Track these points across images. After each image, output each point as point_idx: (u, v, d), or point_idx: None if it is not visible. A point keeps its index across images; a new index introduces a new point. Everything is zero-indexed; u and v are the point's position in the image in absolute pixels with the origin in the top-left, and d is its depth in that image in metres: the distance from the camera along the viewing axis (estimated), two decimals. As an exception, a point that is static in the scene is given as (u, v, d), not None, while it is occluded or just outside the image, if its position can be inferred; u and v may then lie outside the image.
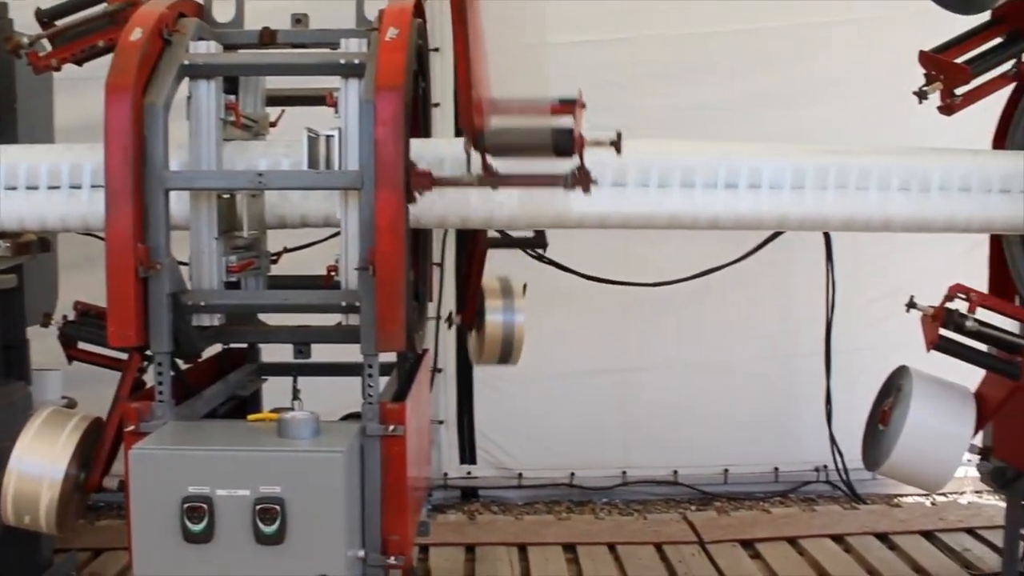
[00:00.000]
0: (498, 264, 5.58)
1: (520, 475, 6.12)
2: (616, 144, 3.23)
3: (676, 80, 5.78)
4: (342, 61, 3.13)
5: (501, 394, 5.98)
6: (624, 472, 6.16)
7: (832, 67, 5.84)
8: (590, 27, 5.60)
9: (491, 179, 3.06)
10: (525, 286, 4.28)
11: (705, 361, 6.04)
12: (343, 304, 3.06)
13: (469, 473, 6.11)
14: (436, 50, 5.34)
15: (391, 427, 2.93)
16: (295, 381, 3.68)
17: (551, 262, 5.67)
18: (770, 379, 6.14)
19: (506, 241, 4.23)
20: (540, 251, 4.72)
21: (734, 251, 5.68)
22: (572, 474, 6.14)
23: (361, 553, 2.84)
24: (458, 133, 5.60)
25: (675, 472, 6.16)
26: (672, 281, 5.68)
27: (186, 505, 2.59)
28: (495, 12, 3.69)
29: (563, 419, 6.03)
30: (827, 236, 5.82)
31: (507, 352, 4.21)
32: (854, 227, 3.74)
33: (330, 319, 3.23)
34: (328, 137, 3.03)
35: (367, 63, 3.02)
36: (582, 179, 3.08)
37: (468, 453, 6.07)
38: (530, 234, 4.21)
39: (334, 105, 3.15)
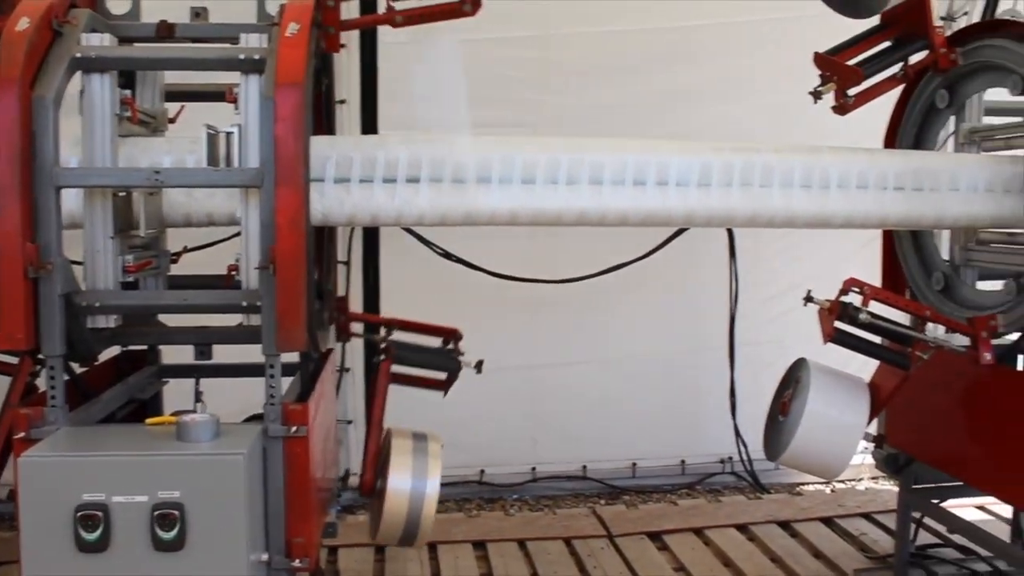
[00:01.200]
0: (414, 259, 5.61)
1: (431, 474, 6.09)
2: (479, 366, 3.92)
3: (586, 78, 5.81)
4: (242, 56, 3.05)
5: (409, 393, 5.93)
6: (534, 468, 6.19)
7: (742, 66, 5.94)
8: (502, 24, 5.59)
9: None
10: (442, 445, 3.82)
11: (613, 356, 6.10)
12: (244, 304, 3.00)
13: (378, 473, 6.06)
14: (342, 46, 5.30)
15: (294, 428, 2.89)
16: (197, 383, 3.60)
17: (460, 260, 5.69)
18: (677, 373, 6.24)
19: (413, 381, 3.97)
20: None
21: (642, 247, 5.77)
22: (482, 471, 6.14)
23: (264, 557, 2.80)
24: (365, 130, 5.63)
25: (584, 467, 6.23)
26: (579, 278, 5.72)
27: (80, 513, 2.50)
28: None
29: (472, 417, 6.00)
30: (730, 232, 5.95)
31: (410, 533, 3.59)
32: (759, 223, 3.80)
33: (232, 319, 3.17)
34: (228, 134, 2.97)
35: (267, 59, 2.96)
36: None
37: (383, 453, 6.03)
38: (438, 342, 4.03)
39: (234, 101, 3.08)
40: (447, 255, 5.69)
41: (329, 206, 3.33)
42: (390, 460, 3.60)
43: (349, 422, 5.92)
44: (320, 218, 3.34)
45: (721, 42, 5.86)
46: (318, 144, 3.31)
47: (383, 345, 3.78)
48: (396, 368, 3.79)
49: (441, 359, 3.93)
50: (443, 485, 5.94)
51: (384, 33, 5.50)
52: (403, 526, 3.57)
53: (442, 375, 3.99)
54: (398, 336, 3.93)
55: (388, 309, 5.78)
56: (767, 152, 3.70)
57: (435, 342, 4.02)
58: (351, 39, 5.49)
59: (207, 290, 3.25)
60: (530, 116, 5.56)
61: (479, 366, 3.93)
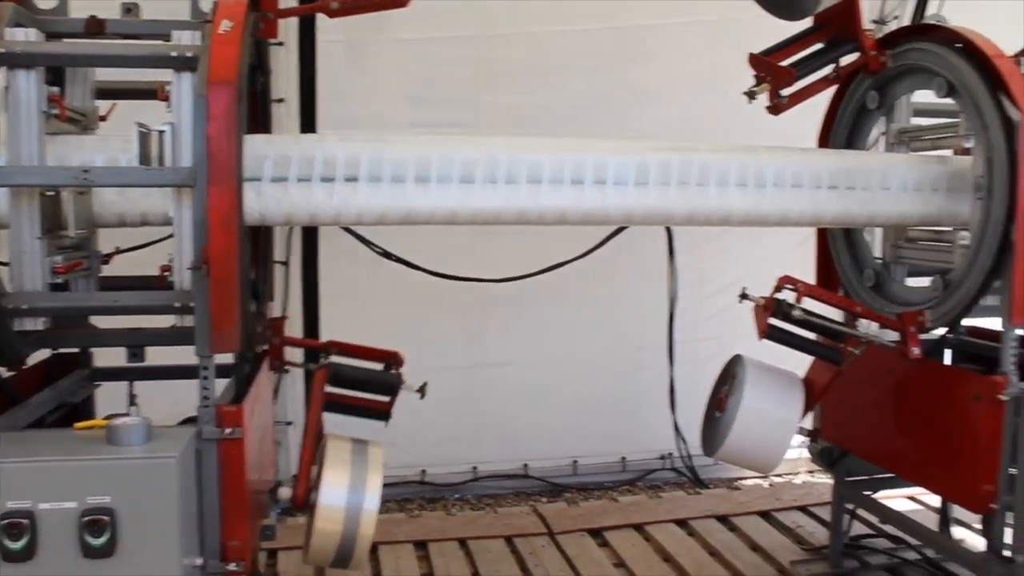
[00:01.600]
0: (354, 259, 5.57)
1: (372, 474, 6.06)
2: (421, 390, 3.93)
3: (527, 78, 5.81)
4: (174, 54, 3.01)
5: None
6: (475, 467, 6.18)
7: (682, 67, 5.99)
8: (443, 24, 5.58)
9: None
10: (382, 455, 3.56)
11: (553, 355, 6.12)
12: (177, 305, 2.96)
13: (319, 475, 6.01)
14: (280, 44, 5.24)
15: (228, 430, 2.86)
16: (131, 386, 3.53)
17: (400, 260, 5.67)
18: (617, 371, 6.28)
19: (352, 407, 3.87)
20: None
21: (582, 246, 5.80)
22: (423, 471, 6.12)
23: (199, 561, 2.76)
24: (304, 129, 5.57)
25: (525, 465, 6.24)
26: (520, 276, 5.73)
27: (4, 522, 2.44)
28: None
29: (413, 416, 5.94)
30: (669, 231, 6.01)
31: (344, 554, 3.33)
32: (696, 221, 3.83)
33: (166, 321, 3.12)
34: (160, 132, 2.92)
35: (200, 56, 2.92)
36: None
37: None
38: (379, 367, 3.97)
39: (166, 99, 3.03)
40: (387, 254, 5.67)
41: (266, 205, 3.29)
42: (323, 471, 3.34)
43: (289, 423, 5.86)
44: (257, 217, 3.30)
45: (661, 43, 5.90)
46: (255, 143, 3.27)
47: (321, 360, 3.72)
48: (333, 390, 3.74)
49: (379, 377, 3.86)
50: (385, 486, 6.04)
51: (323, 31, 5.46)
52: (336, 546, 3.32)
53: (382, 399, 3.95)
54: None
55: (327, 310, 5.75)
56: (704, 151, 3.74)
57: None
58: (289, 37, 5.44)
59: (139, 291, 3.19)
60: (470, 116, 5.55)
61: (422, 390, 3.90)
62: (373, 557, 5.00)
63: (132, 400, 3.49)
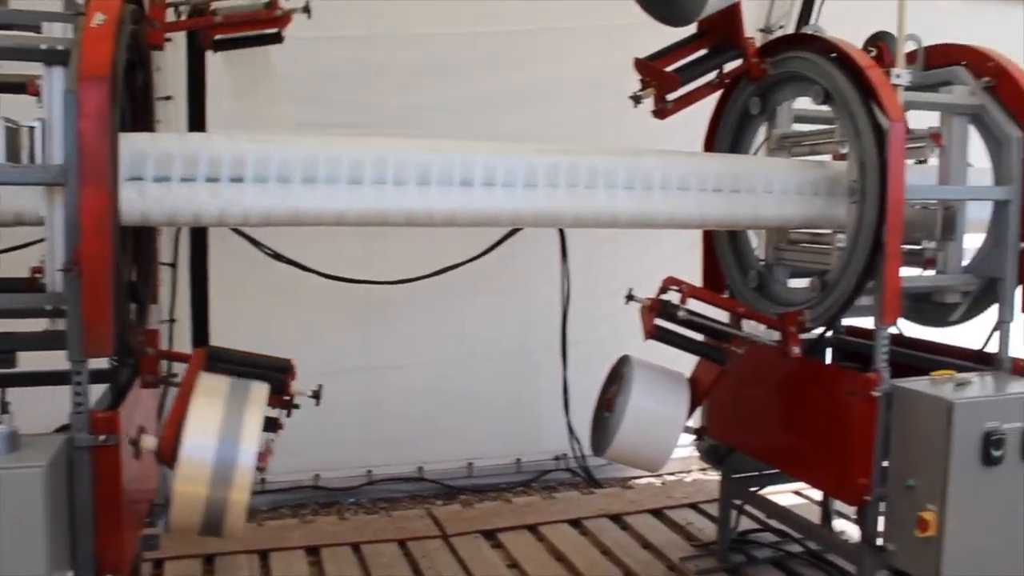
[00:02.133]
0: (244, 261, 5.45)
1: (263, 480, 5.93)
2: (316, 395, 3.56)
3: (417, 79, 5.76)
4: (44, 47, 2.90)
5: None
6: (369, 471, 6.13)
7: (571, 69, 6.03)
8: (333, 24, 5.49)
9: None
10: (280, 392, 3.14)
11: (448, 357, 6.11)
12: (48, 308, 2.85)
13: (209, 481, 5.87)
14: (168, 39, 5.10)
15: (102, 437, 2.76)
16: (3, 393, 3.38)
17: (289, 261, 5.58)
18: (511, 372, 6.31)
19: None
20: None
21: (477, 247, 5.81)
22: (317, 476, 6.04)
23: (70, 574, 2.66)
24: (193, 128, 5.43)
25: (420, 468, 6.21)
26: (413, 279, 5.70)
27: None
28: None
29: (306, 421, 5.87)
30: (562, 233, 6.06)
31: (214, 518, 2.87)
32: (584, 223, 3.88)
33: (39, 324, 3.00)
34: (31, 128, 2.81)
35: (72, 50, 2.82)
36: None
37: (207, 461, 5.84)
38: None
39: (37, 94, 2.92)
40: (277, 256, 5.57)
41: (148, 205, 3.19)
42: (187, 414, 2.85)
43: (177, 430, 5.71)
44: (138, 217, 3.20)
45: (551, 46, 5.93)
46: (136, 141, 3.19)
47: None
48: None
49: (263, 370, 3.38)
50: (277, 491, 6.01)
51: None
52: (202, 512, 2.83)
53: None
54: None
55: (217, 313, 5.61)
56: (592, 154, 3.79)
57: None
58: (177, 33, 5.30)
59: (7, 293, 3.06)
60: (359, 117, 5.48)
61: (317, 395, 3.60)
62: (263, 564, 4.92)
63: (3, 408, 3.34)
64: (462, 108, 5.69)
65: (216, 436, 2.84)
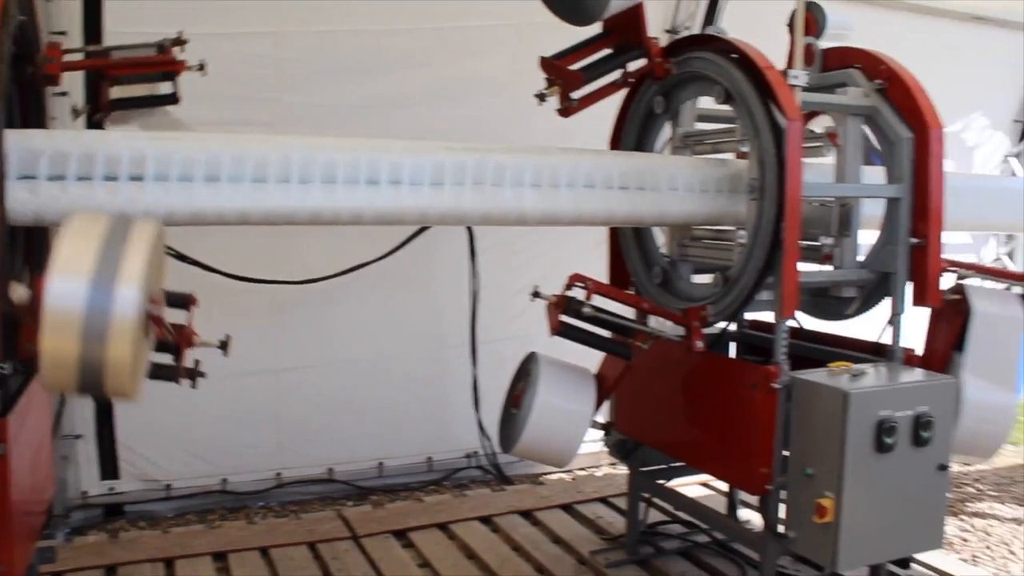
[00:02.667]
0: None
1: (169, 486, 5.82)
2: (224, 345, 3.22)
3: (324, 77, 5.71)
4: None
5: (144, 401, 5.62)
6: (279, 474, 6.05)
7: (480, 68, 6.04)
8: (236, 19, 5.40)
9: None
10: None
11: (358, 356, 6.07)
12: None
13: (112, 489, 5.72)
14: (63, 33, 4.94)
15: (-9, 446, 2.66)
16: None
17: (194, 262, 5.45)
18: (422, 371, 6.29)
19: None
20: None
21: (386, 246, 5.77)
22: (224, 480, 5.93)
23: (-42, 588, 2.56)
24: (90, 125, 5.27)
25: (330, 470, 6.15)
26: (321, 278, 5.64)
27: None
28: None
29: (213, 424, 5.81)
30: (470, 231, 6.07)
31: (92, 379, 2.43)
32: (491, 221, 3.89)
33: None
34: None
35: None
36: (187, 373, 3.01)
37: (110, 467, 5.69)
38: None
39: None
40: (181, 256, 5.43)
41: (41, 205, 3.10)
42: (54, 256, 2.41)
43: (78, 437, 5.55)
44: (30, 217, 3.10)
45: (457, 45, 5.93)
46: (27, 138, 3.10)
47: None
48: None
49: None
50: (183, 497, 5.89)
51: (112, 22, 5.17)
52: (76, 366, 2.37)
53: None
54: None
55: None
56: (498, 152, 3.80)
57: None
58: (74, 26, 5.13)
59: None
60: (264, 115, 5.40)
61: (225, 345, 3.31)
62: (169, 572, 4.81)
63: None
64: (368, 107, 5.65)
65: (87, 279, 2.37)
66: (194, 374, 3.11)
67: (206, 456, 5.87)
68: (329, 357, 5.99)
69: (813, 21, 4.16)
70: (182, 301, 3.15)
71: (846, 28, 4.33)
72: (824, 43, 4.27)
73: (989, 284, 4.39)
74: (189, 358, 3.16)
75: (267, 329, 5.89)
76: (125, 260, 2.39)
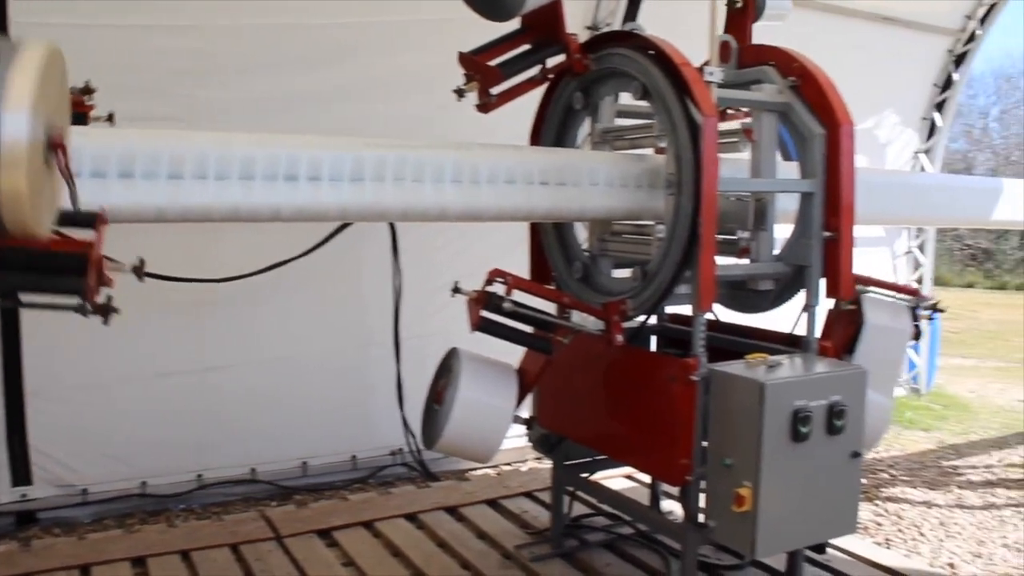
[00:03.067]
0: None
1: (85, 491, 5.69)
2: (138, 271, 2.88)
3: (242, 72, 5.61)
4: None
5: (58, 404, 5.51)
6: (200, 475, 5.95)
7: (402, 63, 6.00)
8: (155, 11, 5.27)
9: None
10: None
11: (280, 355, 6.00)
12: None
13: (24, 496, 5.57)
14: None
15: None
16: None
17: (108, 260, 5.32)
18: (346, 369, 6.25)
19: None
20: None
21: (308, 243, 5.71)
22: (144, 483, 5.81)
23: None
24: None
25: (253, 470, 6.07)
26: (241, 276, 5.56)
27: None
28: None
29: (131, 426, 5.69)
30: (392, 227, 6.04)
31: None
32: (412, 217, 3.88)
33: None
34: None
35: None
36: (99, 309, 2.71)
37: (21, 473, 5.53)
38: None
39: None
40: (96, 255, 5.31)
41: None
42: None
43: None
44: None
45: (379, 40, 5.90)
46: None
47: None
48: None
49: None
50: (100, 502, 5.75)
51: (19, 12, 5.01)
52: None
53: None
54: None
55: (31, 315, 5.31)
56: (419, 148, 3.79)
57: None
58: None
59: None
60: (182, 110, 5.30)
61: (139, 271, 2.90)
62: (85, 579, 4.70)
63: None
64: (287, 102, 5.59)
65: None
66: (107, 310, 2.81)
67: (124, 458, 5.75)
68: (251, 356, 5.92)
69: (752, 3, 4.24)
70: (88, 220, 2.75)
71: (784, 9, 4.42)
72: (765, 22, 4.35)
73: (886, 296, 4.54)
74: (99, 280, 2.77)
75: (187, 328, 5.79)
76: (11, 85, 2.14)
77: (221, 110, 5.41)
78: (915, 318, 4.45)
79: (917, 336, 4.38)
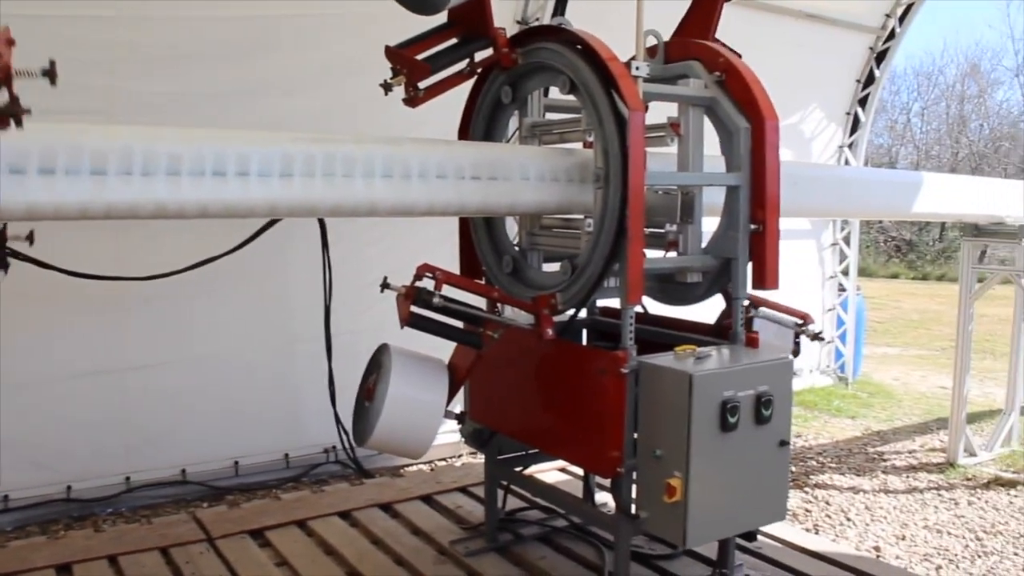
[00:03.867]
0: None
1: (6, 497, 5.54)
2: (50, 73, 2.73)
3: (163, 64, 5.51)
4: None
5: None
6: (128, 478, 5.84)
7: (328, 56, 5.95)
8: (69, 0, 5.14)
9: None
10: None
11: (209, 353, 5.92)
12: None
13: (-56, 502, 5.42)
14: None
15: None
16: None
17: (28, 259, 5.17)
18: (276, 366, 6.19)
19: None
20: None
21: (235, 239, 5.62)
22: (69, 488, 5.68)
23: None
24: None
25: (183, 471, 5.97)
26: (166, 274, 5.44)
27: None
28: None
29: (54, 429, 5.56)
30: (322, 223, 5.98)
31: None
32: (342, 213, 3.83)
33: None
34: None
35: None
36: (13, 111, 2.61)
37: (-61, 479, 5.38)
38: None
39: None
40: (14, 254, 5.15)
41: None
42: None
43: None
44: None
45: (305, 33, 5.84)
46: None
47: None
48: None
49: None
50: (22, 508, 5.60)
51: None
52: None
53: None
54: None
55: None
56: (349, 143, 3.75)
57: None
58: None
59: None
60: (100, 103, 5.18)
61: (50, 74, 2.75)
62: (6, 590, 4.58)
63: None
64: (211, 96, 5.51)
65: None
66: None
67: (48, 463, 5.62)
68: (180, 355, 5.83)
69: None
70: None
71: None
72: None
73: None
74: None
75: (112, 327, 5.69)
76: None
77: (142, 104, 5.29)
78: (797, 337, 4.56)
79: (796, 353, 4.48)
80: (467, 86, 4.48)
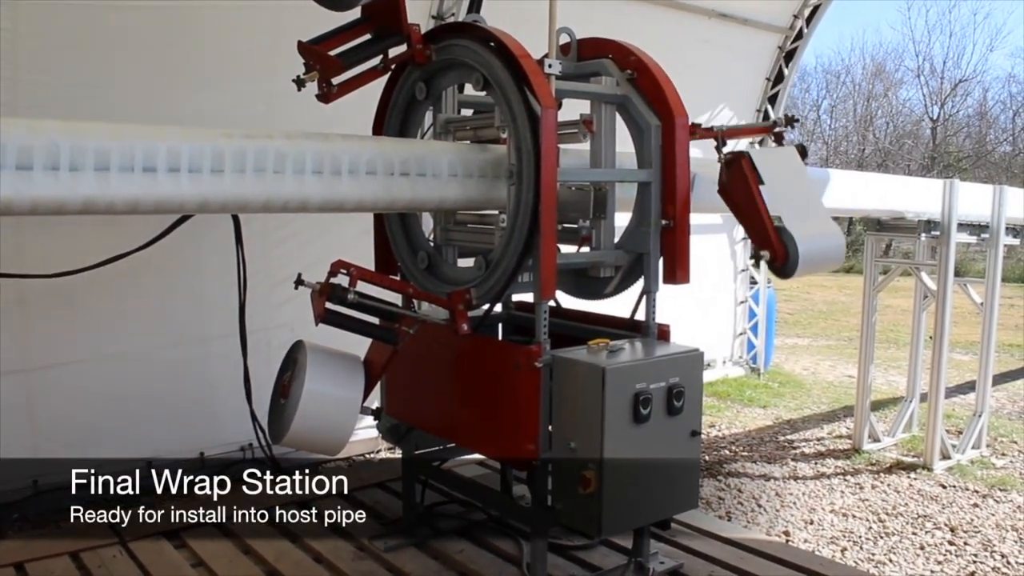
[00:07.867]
0: None
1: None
2: None
3: (72, 55, 5.35)
4: None
5: None
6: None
7: (235, 50, 5.85)
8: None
9: None
10: None
11: (120, 352, 5.80)
12: None
13: None
14: None
15: None
16: None
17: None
18: (189, 364, 6.09)
19: None
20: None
21: (146, 235, 5.51)
22: (-30, 493, 5.51)
23: None
24: None
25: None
26: (73, 271, 5.32)
27: None
28: None
29: (-46, 433, 5.38)
30: (236, 219, 5.89)
31: None
32: (273, 208, 3.84)
33: None
34: None
35: None
36: None
37: None
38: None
39: None
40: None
41: None
42: None
43: None
44: None
45: (213, 25, 5.73)
46: None
47: None
48: None
49: None
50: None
51: None
52: None
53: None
54: None
55: None
56: (279, 138, 3.76)
57: None
58: None
59: None
60: (4, 95, 5.01)
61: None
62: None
63: None
64: (117, 88, 5.36)
65: None
66: None
67: (-51, 467, 5.43)
68: (88, 353, 5.69)
69: None
70: None
71: None
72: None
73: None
74: None
75: (17, 326, 5.51)
76: None
77: (49, 96, 5.15)
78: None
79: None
80: (381, 82, 4.49)
